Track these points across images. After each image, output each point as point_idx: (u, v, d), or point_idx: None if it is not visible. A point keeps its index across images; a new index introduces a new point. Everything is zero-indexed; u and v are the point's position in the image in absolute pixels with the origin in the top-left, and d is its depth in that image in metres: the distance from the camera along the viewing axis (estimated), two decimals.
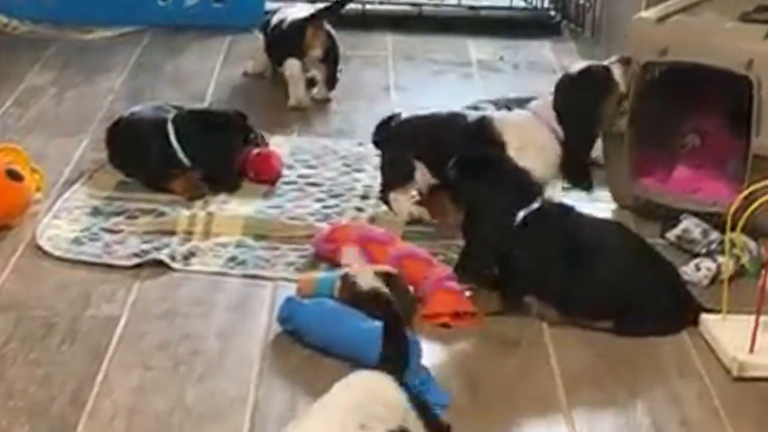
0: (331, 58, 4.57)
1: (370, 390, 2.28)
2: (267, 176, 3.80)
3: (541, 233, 3.03)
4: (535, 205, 3.03)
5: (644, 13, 3.69)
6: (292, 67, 4.51)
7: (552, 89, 3.55)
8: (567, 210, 3.15)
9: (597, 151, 3.72)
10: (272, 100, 4.57)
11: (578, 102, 3.50)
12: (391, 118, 3.70)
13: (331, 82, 4.59)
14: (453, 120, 3.58)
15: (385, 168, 3.63)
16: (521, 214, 3.01)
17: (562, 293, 3.03)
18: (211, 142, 3.73)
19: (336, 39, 4.58)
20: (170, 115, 3.78)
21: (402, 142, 3.58)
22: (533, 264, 3.03)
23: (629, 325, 3.00)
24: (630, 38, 3.64)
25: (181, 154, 3.71)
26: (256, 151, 3.83)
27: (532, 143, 3.48)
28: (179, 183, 3.68)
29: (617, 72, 3.52)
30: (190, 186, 3.68)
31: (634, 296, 3.01)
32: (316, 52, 4.52)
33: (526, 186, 3.09)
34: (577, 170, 3.56)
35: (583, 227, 3.10)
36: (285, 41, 4.56)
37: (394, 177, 3.59)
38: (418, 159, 3.54)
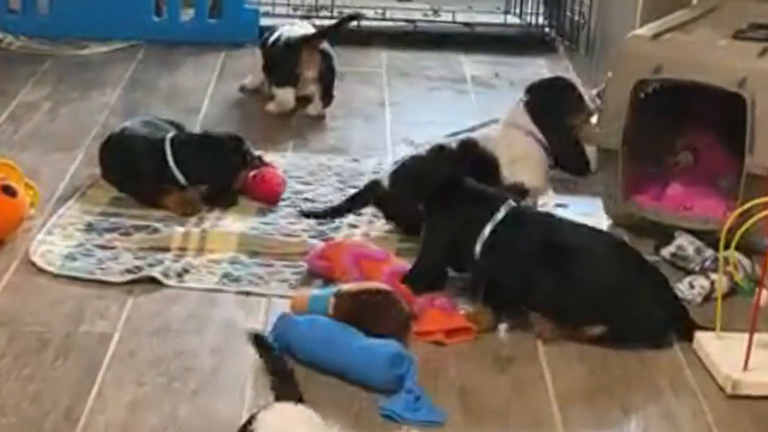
0: (326, 77, 4.58)
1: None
2: (268, 198, 3.79)
3: (511, 241, 3.06)
4: (500, 216, 3.06)
5: (639, 31, 3.72)
6: (284, 95, 4.55)
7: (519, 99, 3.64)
8: (541, 215, 3.23)
9: None
10: (267, 116, 4.57)
11: (549, 93, 3.63)
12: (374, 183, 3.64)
13: (327, 99, 4.60)
14: (438, 153, 3.59)
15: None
16: (488, 227, 3.05)
17: (547, 299, 3.04)
18: (210, 164, 3.73)
19: (333, 57, 4.59)
20: (168, 135, 3.78)
21: (408, 199, 3.47)
22: (508, 272, 3.06)
23: (621, 330, 3.00)
24: (624, 55, 3.65)
25: (178, 174, 3.70)
26: (254, 172, 3.82)
27: (519, 153, 3.57)
28: (173, 199, 3.68)
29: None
30: (183, 202, 3.68)
31: (622, 298, 3.00)
32: (311, 73, 4.54)
33: (486, 200, 3.13)
34: (569, 156, 3.62)
35: (561, 231, 3.11)
36: (280, 62, 4.57)
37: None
38: None
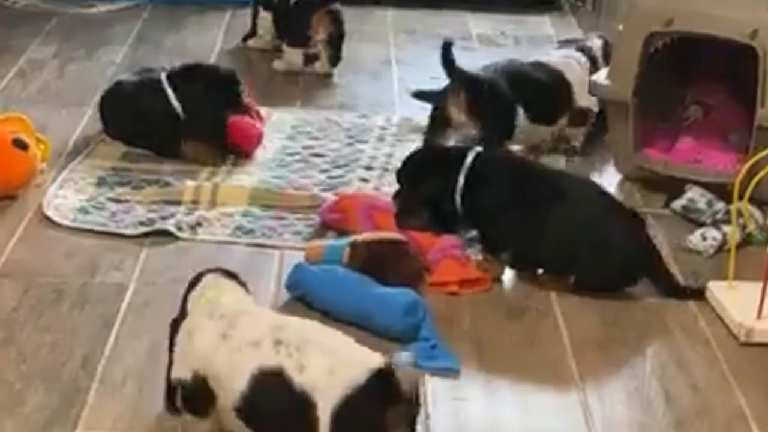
0: (336, 38, 4.58)
1: None
2: (241, 145, 3.78)
3: (484, 183, 3.11)
4: (468, 162, 3.12)
5: None
6: (293, 56, 4.56)
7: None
8: (509, 157, 3.37)
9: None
10: (274, 73, 4.57)
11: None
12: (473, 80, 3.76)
13: (335, 59, 4.58)
14: (533, 66, 3.90)
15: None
16: (461, 177, 3.11)
17: (517, 244, 3.08)
18: (206, 92, 3.74)
19: (342, 19, 4.58)
20: (162, 72, 3.79)
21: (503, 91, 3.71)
22: (485, 217, 3.13)
23: (590, 278, 3.02)
24: (635, 8, 3.65)
25: (176, 104, 3.72)
26: (235, 118, 3.80)
27: (585, 81, 3.83)
28: (190, 148, 3.68)
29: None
30: (202, 152, 3.68)
31: (591, 246, 3.00)
32: (321, 35, 4.54)
33: (450, 152, 3.28)
34: None
35: (532, 175, 3.17)
36: (291, 23, 4.57)
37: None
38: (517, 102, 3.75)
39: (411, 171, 3.27)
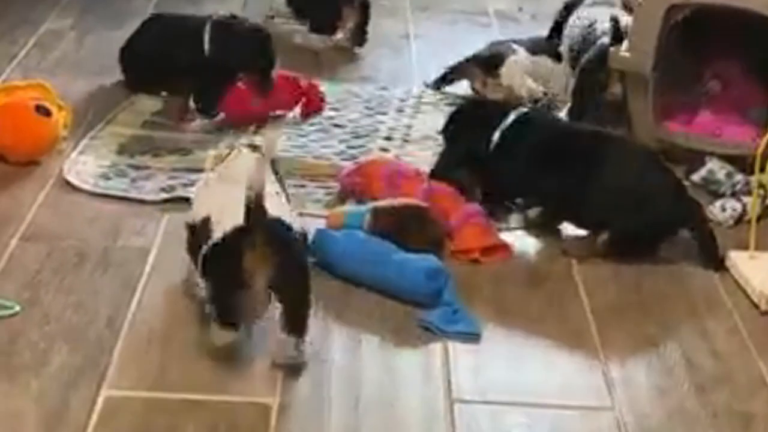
0: (362, 24, 4.59)
1: None
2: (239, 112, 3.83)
3: (517, 142, 3.16)
4: (509, 120, 3.18)
5: None
6: (318, 41, 4.60)
7: None
8: (550, 118, 3.40)
9: None
10: (295, 45, 4.57)
11: None
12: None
13: (359, 40, 4.59)
14: None
15: None
16: (497, 132, 3.18)
17: (553, 200, 3.15)
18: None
19: (370, 6, 4.60)
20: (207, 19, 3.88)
21: None
22: (512, 172, 3.17)
23: (631, 230, 3.04)
24: None
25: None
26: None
27: None
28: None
29: None
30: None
31: (629, 199, 3.03)
32: (349, 24, 4.57)
33: (496, 108, 3.30)
34: None
35: (567, 134, 3.23)
36: (317, 9, 4.62)
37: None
38: None
39: (451, 126, 3.33)
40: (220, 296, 2.49)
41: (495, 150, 3.18)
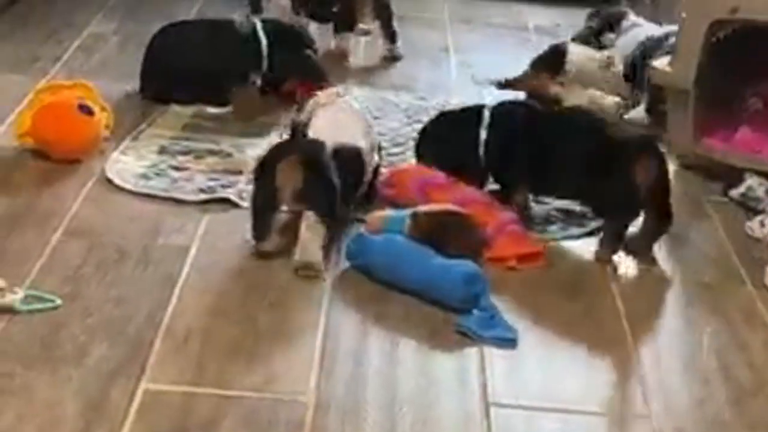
0: (386, 20, 4.63)
1: None
2: None
3: (504, 133, 3.30)
4: (486, 117, 3.33)
5: None
6: (341, 42, 4.66)
7: None
8: (524, 105, 3.47)
9: None
10: (330, 52, 4.60)
11: None
12: None
13: (392, 37, 4.61)
14: None
15: None
16: (482, 131, 3.32)
17: (533, 179, 3.27)
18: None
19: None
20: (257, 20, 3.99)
21: None
22: (498, 155, 3.31)
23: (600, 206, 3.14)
24: None
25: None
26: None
27: None
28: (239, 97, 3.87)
29: None
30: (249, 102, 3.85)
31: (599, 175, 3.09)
32: (370, 23, 4.65)
33: (465, 111, 3.45)
34: None
35: (545, 119, 3.31)
36: (336, 8, 4.66)
37: None
38: None
39: (430, 142, 3.45)
40: (254, 206, 2.97)
41: (487, 147, 3.30)
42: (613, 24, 4.32)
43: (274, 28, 3.99)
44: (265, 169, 2.96)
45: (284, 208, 3.02)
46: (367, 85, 4.31)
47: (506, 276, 3.01)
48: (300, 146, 3.08)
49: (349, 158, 3.10)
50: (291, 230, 3.01)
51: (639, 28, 4.29)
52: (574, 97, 4.07)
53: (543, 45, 4.82)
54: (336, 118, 3.24)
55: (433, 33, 5.01)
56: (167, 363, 2.51)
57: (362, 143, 3.18)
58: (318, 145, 3.04)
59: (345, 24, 4.63)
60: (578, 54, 4.17)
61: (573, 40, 4.43)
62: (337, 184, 2.98)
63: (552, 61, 4.18)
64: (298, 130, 3.23)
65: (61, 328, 2.61)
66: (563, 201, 3.33)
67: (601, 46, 4.34)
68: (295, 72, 3.94)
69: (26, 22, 4.72)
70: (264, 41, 3.92)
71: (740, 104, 3.83)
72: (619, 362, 2.68)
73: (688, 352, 2.74)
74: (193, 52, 3.97)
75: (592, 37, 4.42)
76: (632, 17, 4.41)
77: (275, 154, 2.99)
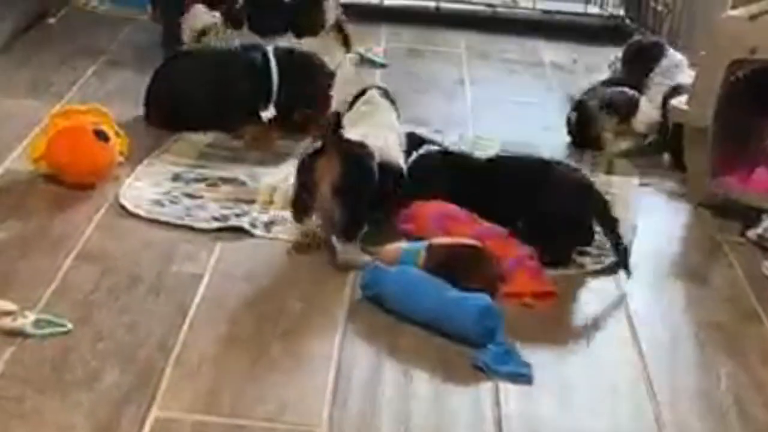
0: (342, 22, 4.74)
1: None
2: None
3: (422, 174, 3.38)
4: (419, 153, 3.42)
5: (734, 12, 3.70)
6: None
7: None
8: (449, 152, 3.51)
9: None
10: (344, 83, 4.58)
11: None
12: None
13: (348, 42, 4.73)
14: None
15: None
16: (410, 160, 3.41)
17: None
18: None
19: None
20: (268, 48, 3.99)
21: None
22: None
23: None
24: (718, 36, 3.64)
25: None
26: None
27: None
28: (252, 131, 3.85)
29: None
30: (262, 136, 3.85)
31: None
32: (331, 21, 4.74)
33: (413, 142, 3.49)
34: None
35: (462, 164, 3.42)
36: (300, 13, 4.72)
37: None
38: None
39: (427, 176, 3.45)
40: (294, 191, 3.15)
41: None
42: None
43: (286, 57, 3.96)
44: (306, 160, 3.12)
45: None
46: None
47: (522, 310, 2.98)
48: (346, 143, 3.14)
49: (390, 176, 3.26)
50: None
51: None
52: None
53: (557, 80, 4.86)
54: (386, 135, 3.36)
55: (449, 66, 5.00)
56: (179, 391, 2.49)
57: (402, 163, 3.36)
58: (364, 148, 3.17)
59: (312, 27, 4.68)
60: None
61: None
62: (373, 190, 3.15)
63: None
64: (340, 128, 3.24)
65: (72, 353, 2.59)
66: None
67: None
68: (303, 104, 3.92)
69: (41, 48, 4.71)
70: (275, 72, 3.90)
71: (757, 144, 3.80)
72: (636, 398, 2.65)
73: (705, 391, 2.70)
74: (202, 86, 3.94)
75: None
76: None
77: (321, 147, 3.11)
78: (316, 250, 3.15)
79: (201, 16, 4.61)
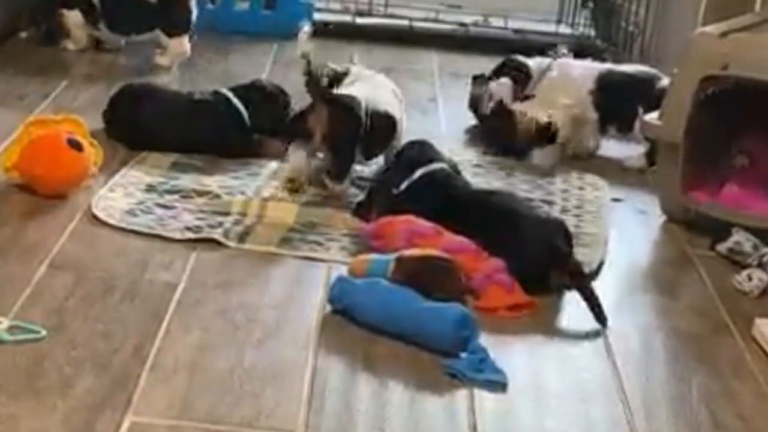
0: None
1: None
2: None
3: (417, 196, 3.41)
4: (416, 176, 3.43)
5: (706, 29, 3.73)
6: (179, 47, 4.90)
7: None
8: (447, 175, 3.48)
9: None
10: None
11: None
12: None
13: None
14: None
15: None
16: (405, 183, 3.44)
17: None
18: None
19: None
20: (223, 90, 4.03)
21: None
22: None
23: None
24: (690, 53, 3.67)
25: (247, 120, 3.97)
26: None
27: None
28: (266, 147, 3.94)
29: None
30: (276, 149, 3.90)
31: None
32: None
33: (410, 164, 3.48)
34: None
35: (458, 188, 3.43)
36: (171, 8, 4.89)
37: None
38: None
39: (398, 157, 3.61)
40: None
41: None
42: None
43: (248, 94, 3.99)
44: (300, 113, 3.58)
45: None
46: None
47: (496, 319, 2.98)
48: (333, 96, 3.59)
49: (382, 124, 3.65)
50: None
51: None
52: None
53: None
54: (376, 91, 3.74)
55: (421, 84, 5.03)
56: (154, 396, 2.48)
57: (397, 115, 3.74)
58: (353, 99, 3.56)
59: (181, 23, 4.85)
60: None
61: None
62: (361, 138, 3.56)
63: None
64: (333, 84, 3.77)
65: (46, 359, 2.57)
66: None
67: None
68: (271, 133, 3.96)
69: (16, 59, 4.71)
70: (243, 110, 3.95)
71: (727, 160, 3.83)
72: (610, 408, 2.66)
73: (678, 402, 2.72)
74: (173, 126, 3.93)
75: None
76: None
77: (313, 101, 3.54)
78: (303, 191, 3.58)
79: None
